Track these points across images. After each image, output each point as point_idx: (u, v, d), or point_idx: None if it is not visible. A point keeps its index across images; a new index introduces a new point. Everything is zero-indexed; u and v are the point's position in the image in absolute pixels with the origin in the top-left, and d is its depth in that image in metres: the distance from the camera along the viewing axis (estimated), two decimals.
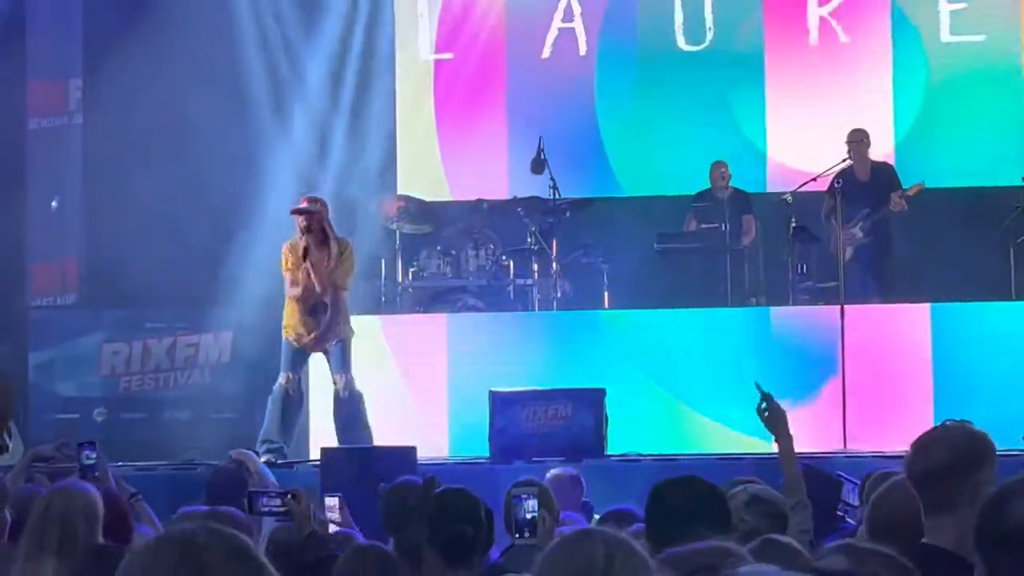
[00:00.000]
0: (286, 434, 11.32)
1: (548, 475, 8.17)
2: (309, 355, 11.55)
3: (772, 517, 4.95)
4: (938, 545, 3.81)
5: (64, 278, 14.46)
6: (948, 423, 4.10)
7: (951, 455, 3.91)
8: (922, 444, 3.98)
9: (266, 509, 5.52)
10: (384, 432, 11.49)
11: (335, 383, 11.38)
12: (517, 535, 4.97)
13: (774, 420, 5.93)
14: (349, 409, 11.33)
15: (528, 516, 5.17)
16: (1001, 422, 11.37)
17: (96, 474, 6.16)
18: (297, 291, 11.24)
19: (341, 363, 11.37)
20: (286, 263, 11.35)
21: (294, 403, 11.38)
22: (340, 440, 11.26)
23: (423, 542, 5.22)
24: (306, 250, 11.15)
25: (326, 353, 11.48)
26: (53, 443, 7.18)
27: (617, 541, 2.79)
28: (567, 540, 2.81)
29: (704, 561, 2.99)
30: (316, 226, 11.15)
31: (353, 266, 11.38)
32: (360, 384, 11.64)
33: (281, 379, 11.40)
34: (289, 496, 5.51)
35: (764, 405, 5.91)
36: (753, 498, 5.02)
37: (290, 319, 11.40)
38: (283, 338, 11.50)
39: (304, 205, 11.33)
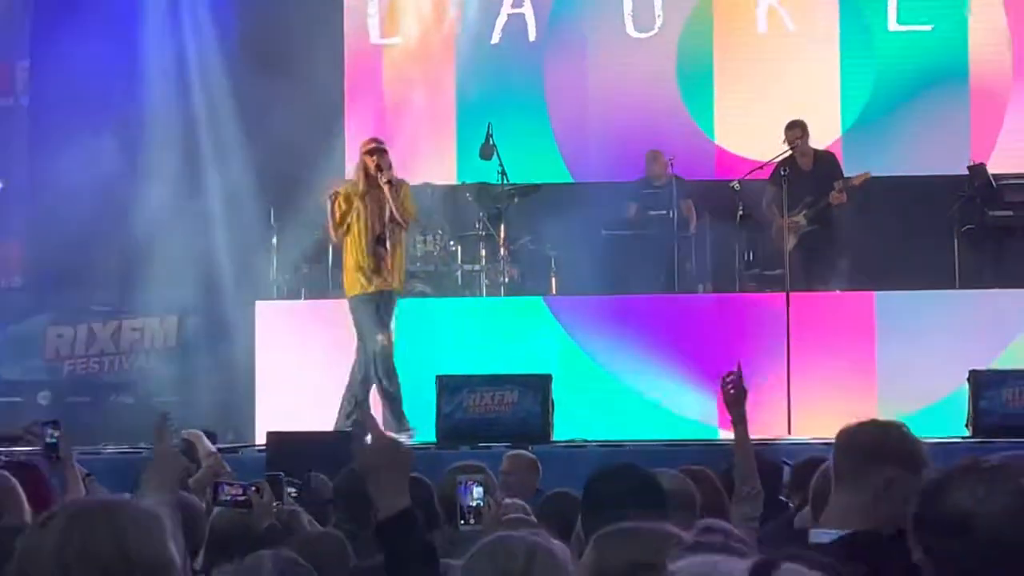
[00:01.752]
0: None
1: (506, 456, 8.16)
2: (387, 300, 11.34)
3: None
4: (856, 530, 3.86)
5: (9, 260, 14.37)
6: (883, 422, 4.14)
7: (878, 443, 3.95)
8: (848, 427, 4.04)
9: (227, 498, 5.50)
10: (331, 417, 11.46)
11: (379, 339, 11.25)
12: (462, 521, 4.98)
13: (737, 398, 5.95)
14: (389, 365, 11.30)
15: (473, 503, 5.18)
16: (944, 410, 11.49)
17: (59, 454, 6.12)
18: (358, 229, 11.16)
19: (386, 320, 11.27)
20: (338, 207, 11.23)
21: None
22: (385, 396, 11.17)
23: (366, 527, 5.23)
24: (367, 188, 11.13)
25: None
26: (23, 424, 7.13)
27: (537, 544, 2.81)
28: (488, 543, 2.84)
29: (646, 547, 2.99)
30: (386, 165, 11.16)
31: (414, 204, 11.38)
32: (308, 369, 11.60)
33: (382, 340, 11.23)
34: (253, 488, 5.50)
35: (731, 379, 5.94)
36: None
37: (352, 268, 11.28)
38: (352, 298, 11.31)
39: (380, 145, 11.32)
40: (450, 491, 6.08)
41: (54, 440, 6.15)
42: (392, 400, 11.32)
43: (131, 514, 2.49)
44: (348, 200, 11.24)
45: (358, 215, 11.19)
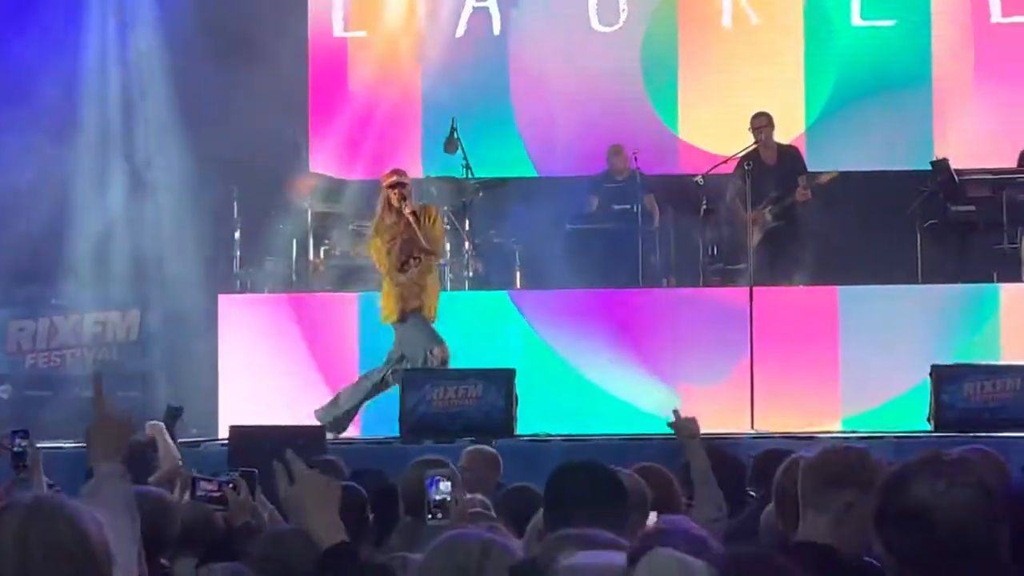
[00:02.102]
0: None
1: (465, 451, 8.15)
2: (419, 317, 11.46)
3: None
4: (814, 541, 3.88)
5: None
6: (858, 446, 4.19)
7: (845, 468, 3.98)
8: (821, 454, 4.06)
9: (203, 494, 5.47)
10: (294, 411, 11.44)
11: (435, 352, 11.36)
12: (429, 516, 5.00)
13: (687, 428, 6.00)
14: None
15: (440, 498, 5.21)
16: (906, 404, 11.53)
17: (26, 463, 6.04)
18: (391, 261, 11.35)
19: (432, 335, 11.39)
20: (379, 242, 11.41)
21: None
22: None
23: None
24: (396, 216, 11.30)
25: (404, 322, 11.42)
26: None
27: (492, 541, 2.81)
28: (444, 540, 2.84)
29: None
30: (410, 196, 11.37)
31: (443, 229, 11.61)
32: (270, 363, 11.56)
33: (438, 352, 11.34)
34: (230, 485, 5.47)
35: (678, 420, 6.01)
36: None
37: (387, 294, 11.45)
38: (394, 325, 11.45)
39: (401, 178, 11.47)
40: (416, 485, 6.08)
41: (21, 449, 6.08)
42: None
43: (67, 512, 2.50)
44: (379, 232, 11.39)
45: (389, 248, 11.33)
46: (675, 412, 6.12)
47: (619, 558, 2.08)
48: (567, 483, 4.31)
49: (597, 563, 2.05)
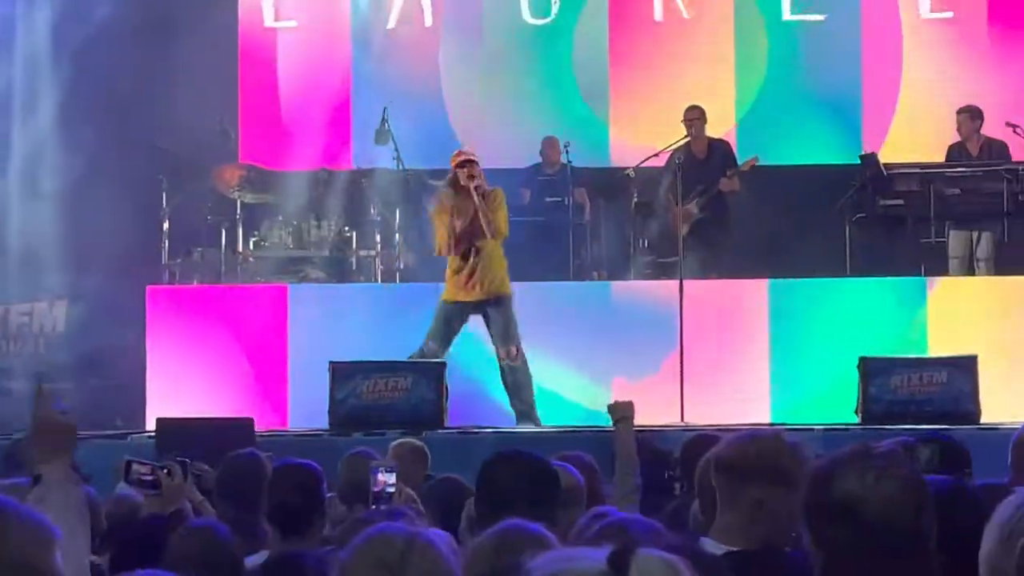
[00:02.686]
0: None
1: (392, 444, 8.12)
2: (463, 317, 11.37)
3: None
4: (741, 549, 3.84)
5: None
6: (779, 433, 4.09)
7: (765, 461, 3.91)
8: (736, 446, 3.98)
9: (135, 478, 5.40)
10: (222, 403, 11.37)
11: (498, 354, 11.31)
12: (373, 507, 5.00)
13: (623, 408, 6.01)
14: (515, 378, 11.28)
15: (382, 489, 5.23)
16: (834, 396, 11.60)
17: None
18: (451, 242, 11.27)
19: (503, 331, 11.27)
20: (441, 217, 11.31)
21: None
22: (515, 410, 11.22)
23: (260, 515, 5.19)
24: (457, 200, 11.20)
25: (485, 317, 11.32)
26: None
27: (416, 534, 2.79)
28: (367, 534, 2.81)
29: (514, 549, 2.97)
30: (480, 177, 11.25)
31: (507, 214, 11.39)
32: (198, 355, 11.48)
33: (432, 347, 11.29)
34: (164, 470, 5.40)
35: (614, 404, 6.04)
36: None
37: (447, 275, 11.41)
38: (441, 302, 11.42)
39: (470, 156, 11.38)
40: (360, 477, 6.06)
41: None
42: None
43: (18, 520, 2.42)
44: (445, 211, 11.30)
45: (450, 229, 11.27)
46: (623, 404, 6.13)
47: (593, 557, 2.06)
48: (500, 474, 4.28)
49: (577, 568, 2.03)
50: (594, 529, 3.51)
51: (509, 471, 4.26)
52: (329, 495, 5.89)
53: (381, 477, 5.26)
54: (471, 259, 11.29)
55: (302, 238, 13.22)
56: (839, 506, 3.02)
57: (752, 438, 3.96)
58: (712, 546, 3.78)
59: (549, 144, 13.95)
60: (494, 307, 11.33)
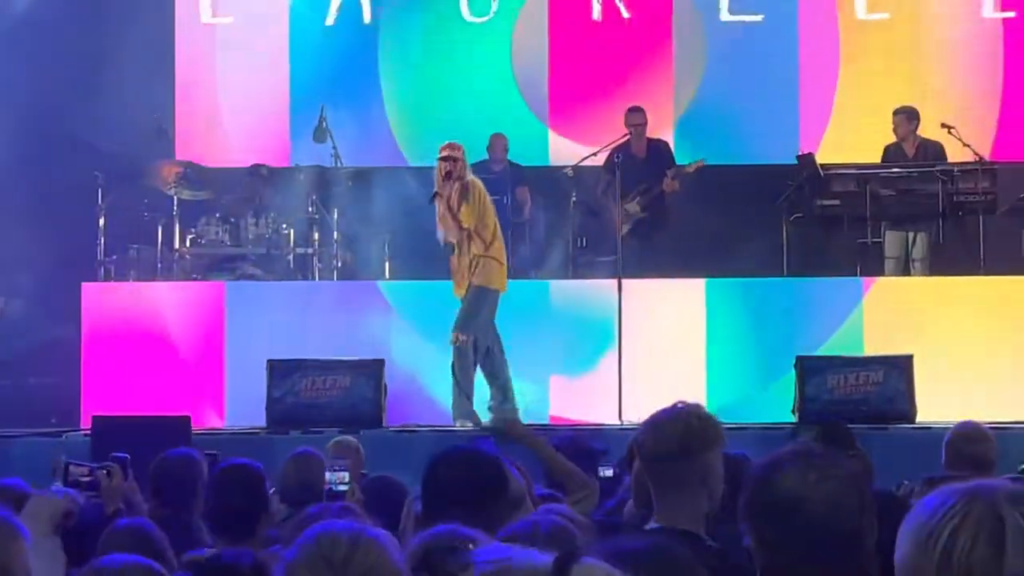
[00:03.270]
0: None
1: (330, 443, 8.11)
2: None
3: None
4: (672, 526, 3.88)
5: None
6: (680, 405, 4.14)
7: (682, 437, 3.97)
8: (654, 425, 4.04)
9: (74, 480, 5.36)
10: (159, 401, 11.31)
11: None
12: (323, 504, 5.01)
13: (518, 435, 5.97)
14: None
15: (334, 487, 5.26)
16: (770, 396, 11.66)
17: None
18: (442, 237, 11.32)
19: (458, 315, 11.27)
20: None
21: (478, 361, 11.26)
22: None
23: (194, 513, 5.17)
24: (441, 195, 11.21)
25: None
26: None
27: (363, 531, 2.78)
28: (313, 531, 2.80)
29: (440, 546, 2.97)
30: (458, 173, 11.22)
31: (474, 207, 11.31)
32: (134, 352, 11.40)
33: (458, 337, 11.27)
34: (104, 471, 5.36)
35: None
36: None
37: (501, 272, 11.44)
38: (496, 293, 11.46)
39: (450, 152, 11.31)
40: (307, 476, 6.04)
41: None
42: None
43: None
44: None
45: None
46: (498, 418, 6.04)
47: (536, 557, 2.05)
48: (445, 473, 4.23)
49: (520, 570, 2.02)
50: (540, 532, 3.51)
51: (455, 468, 4.22)
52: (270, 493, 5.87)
53: (333, 475, 5.27)
54: (452, 256, 11.32)
55: (239, 235, 13.15)
56: (781, 506, 3.03)
57: (664, 420, 4.03)
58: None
59: (497, 141, 13.91)
60: (466, 296, 11.33)
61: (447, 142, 11.55)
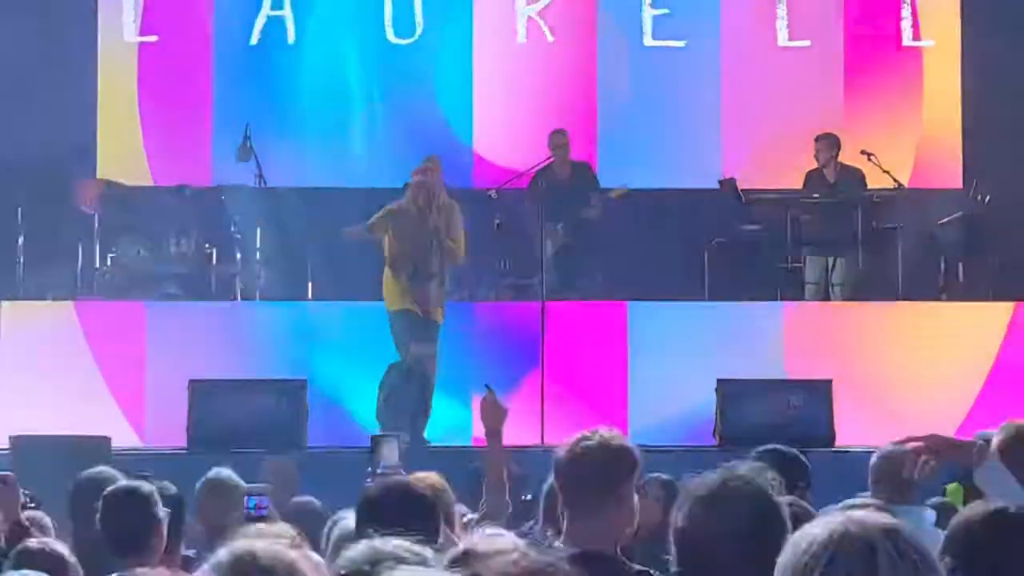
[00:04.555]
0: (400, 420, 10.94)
1: (269, 463, 8.10)
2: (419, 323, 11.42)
3: None
4: (590, 549, 3.89)
5: None
6: (601, 431, 4.18)
7: (601, 464, 4.01)
8: (572, 450, 4.07)
9: None
10: (78, 420, 11.20)
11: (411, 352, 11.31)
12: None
13: (496, 418, 5.93)
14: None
15: (254, 511, 5.25)
16: (693, 419, 11.73)
17: None
18: (393, 256, 11.27)
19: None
20: (384, 227, 11.40)
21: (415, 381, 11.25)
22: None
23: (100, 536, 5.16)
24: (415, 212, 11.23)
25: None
26: None
27: (281, 553, 2.78)
28: (230, 552, 2.79)
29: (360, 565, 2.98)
30: (435, 190, 11.36)
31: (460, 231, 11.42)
32: (54, 371, 11.32)
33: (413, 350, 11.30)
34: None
35: (491, 400, 5.91)
36: None
37: (390, 289, 11.42)
38: (388, 312, 11.49)
39: (421, 177, 11.42)
40: (221, 500, 6.02)
41: None
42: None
43: None
44: (394, 215, 11.46)
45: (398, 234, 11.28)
46: (489, 390, 6.02)
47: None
48: (378, 502, 4.31)
49: None
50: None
51: (388, 498, 4.31)
52: (189, 516, 5.84)
53: (252, 500, 5.26)
54: (422, 283, 11.61)
55: (161, 255, 13.08)
56: (700, 529, 3.06)
57: (582, 445, 4.05)
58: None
59: (426, 163, 13.86)
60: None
61: (429, 156, 11.65)
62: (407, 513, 4.13)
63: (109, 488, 5.39)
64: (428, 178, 11.46)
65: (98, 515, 5.28)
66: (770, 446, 6.12)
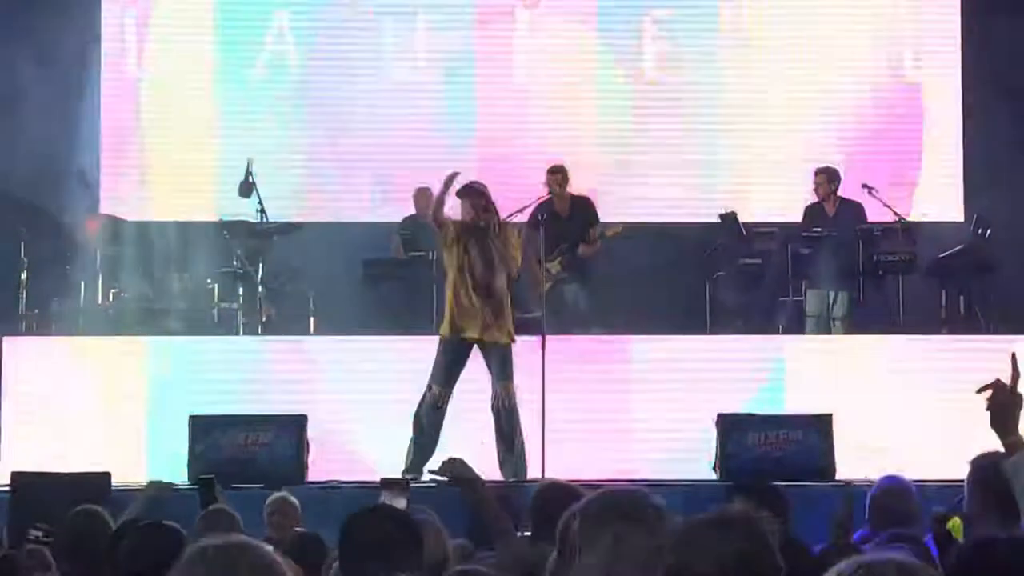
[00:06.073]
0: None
1: (270, 499, 8.14)
2: (467, 356, 11.17)
3: None
4: None
5: None
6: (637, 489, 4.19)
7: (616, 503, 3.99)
8: (596, 494, 4.06)
9: None
10: (79, 456, 11.21)
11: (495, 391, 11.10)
12: None
13: (452, 468, 5.93)
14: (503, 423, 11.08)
15: None
16: (694, 452, 11.71)
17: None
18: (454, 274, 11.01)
19: (502, 370, 11.07)
20: (446, 241, 11.08)
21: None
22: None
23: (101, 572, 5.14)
24: (472, 229, 10.98)
25: (487, 356, 11.12)
26: None
27: (263, 560, 2.78)
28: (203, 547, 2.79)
29: None
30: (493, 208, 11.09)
31: (519, 251, 11.15)
32: (55, 407, 11.33)
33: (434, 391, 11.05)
34: None
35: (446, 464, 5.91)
36: None
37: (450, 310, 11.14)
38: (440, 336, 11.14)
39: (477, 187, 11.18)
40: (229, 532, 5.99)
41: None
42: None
43: None
44: (456, 228, 11.15)
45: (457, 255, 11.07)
46: (446, 462, 6.01)
47: None
48: (360, 530, 4.28)
49: None
50: None
51: (371, 525, 4.27)
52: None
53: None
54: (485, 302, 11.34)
55: (163, 290, 13.11)
56: (699, 568, 3.07)
57: (616, 489, 4.06)
58: None
59: (419, 195, 13.93)
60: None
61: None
62: (390, 541, 4.12)
63: (140, 527, 5.37)
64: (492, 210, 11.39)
65: (102, 549, 5.27)
66: (743, 481, 6.13)
